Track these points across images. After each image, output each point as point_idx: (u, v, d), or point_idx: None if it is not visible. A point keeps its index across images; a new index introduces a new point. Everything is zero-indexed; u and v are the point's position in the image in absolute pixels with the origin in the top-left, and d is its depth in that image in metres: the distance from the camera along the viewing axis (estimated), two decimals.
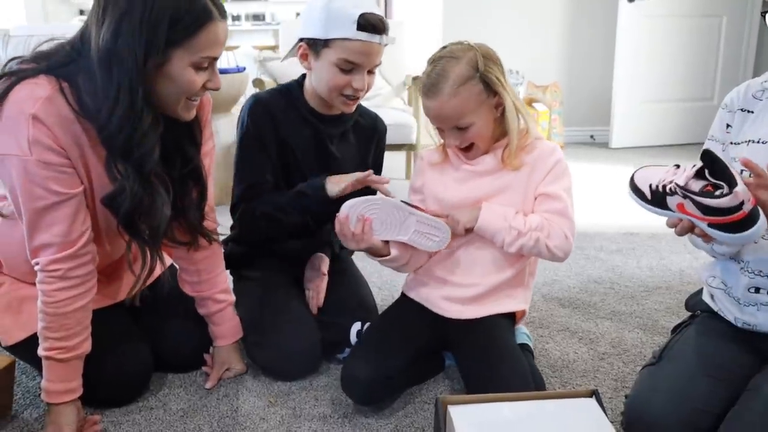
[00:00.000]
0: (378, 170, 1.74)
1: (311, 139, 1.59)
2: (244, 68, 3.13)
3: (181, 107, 1.24)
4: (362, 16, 1.42)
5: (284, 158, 1.58)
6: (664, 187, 1.14)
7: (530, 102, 4.66)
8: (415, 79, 3.36)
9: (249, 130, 1.54)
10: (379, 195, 1.39)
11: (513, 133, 1.40)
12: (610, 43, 4.67)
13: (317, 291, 1.65)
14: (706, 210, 1.06)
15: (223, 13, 1.20)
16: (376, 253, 1.44)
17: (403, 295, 1.60)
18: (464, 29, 4.62)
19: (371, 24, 1.43)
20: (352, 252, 1.89)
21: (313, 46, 1.49)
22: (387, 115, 3.34)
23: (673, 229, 1.15)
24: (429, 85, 1.36)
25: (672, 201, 1.12)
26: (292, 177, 1.59)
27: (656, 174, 1.17)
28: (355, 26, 1.42)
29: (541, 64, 4.85)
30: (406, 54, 3.61)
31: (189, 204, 1.38)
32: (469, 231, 1.42)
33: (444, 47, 1.40)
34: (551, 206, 1.41)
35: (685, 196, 1.09)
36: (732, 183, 1.03)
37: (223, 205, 1.77)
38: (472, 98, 1.35)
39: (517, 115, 1.41)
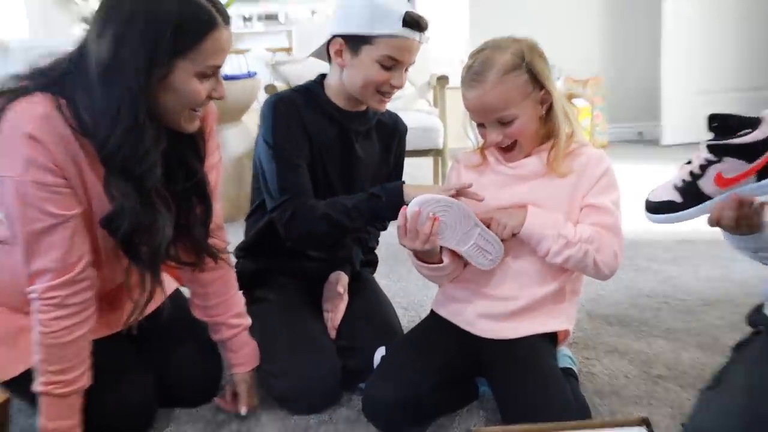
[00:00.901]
0: (399, 172, 1.76)
1: (336, 138, 1.62)
2: (255, 73, 3.16)
3: (184, 119, 1.26)
4: (407, 12, 1.48)
5: (315, 157, 1.61)
6: (691, 173, 1.10)
7: (569, 98, 4.63)
8: (440, 79, 3.35)
9: (279, 125, 1.54)
10: (449, 198, 1.38)
11: (561, 131, 1.41)
12: (655, 30, 4.61)
13: (334, 312, 1.64)
14: (747, 154, 1.01)
15: (226, 19, 1.21)
16: (428, 258, 1.43)
17: (432, 312, 1.58)
18: (493, 23, 4.61)
19: (415, 21, 1.49)
20: (374, 269, 1.88)
21: (352, 42, 1.52)
22: (411, 118, 3.34)
23: (724, 231, 1.12)
24: (472, 74, 1.38)
25: (706, 182, 1.08)
26: (315, 177, 1.60)
27: (671, 181, 1.14)
28: (401, 23, 1.48)
29: (580, 57, 4.81)
30: (430, 53, 3.61)
31: (193, 222, 1.38)
32: (512, 236, 1.41)
33: (486, 42, 1.43)
34: (600, 220, 1.41)
35: (718, 156, 1.05)
36: (755, 121, 1.00)
37: (234, 221, 1.77)
38: (518, 88, 1.37)
39: (565, 115, 1.42)
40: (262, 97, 3.16)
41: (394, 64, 1.51)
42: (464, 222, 1.39)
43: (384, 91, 1.55)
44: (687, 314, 2.05)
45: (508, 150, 1.44)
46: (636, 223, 2.97)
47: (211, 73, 1.22)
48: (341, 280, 1.67)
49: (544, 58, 1.41)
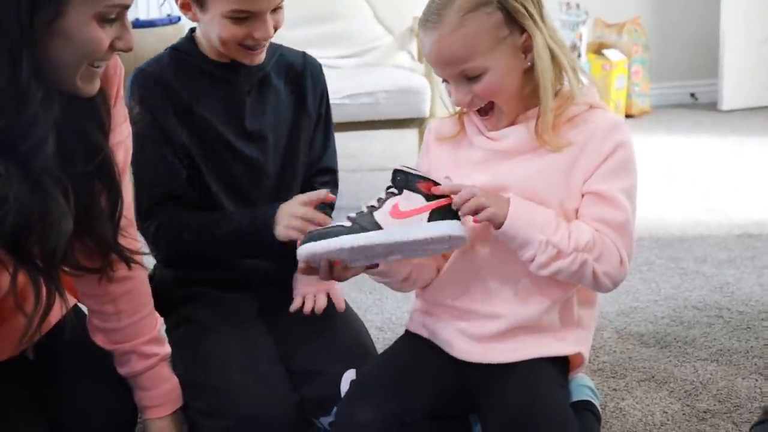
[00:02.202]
0: (328, 130, 1.85)
1: (224, 98, 1.71)
2: (179, 18, 3.18)
3: (81, 78, 1.27)
4: None
5: (196, 130, 1.69)
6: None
7: (599, 48, 4.68)
8: None
9: (140, 117, 1.65)
10: (335, 243, 1.39)
11: (546, 90, 1.40)
12: None
13: (318, 290, 1.73)
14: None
15: None
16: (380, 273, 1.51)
17: (407, 332, 1.63)
18: None
19: None
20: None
21: None
22: (389, 78, 3.43)
23: None
24: (428, 13, 1.40)
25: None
26: (214, 150, 1.70)
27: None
28: None
29: None
30: None
31: (97, 214, 1.41)
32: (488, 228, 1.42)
33: None
34: (606, 214, 1.41)
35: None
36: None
37: None
38: (485, 31, 1.37)
39: (554, 62, 1.41)
40: None
41: (248, 15, 1.58)
42: (374, 251, 1.40)
43: (248, 45, 1.63)
44: (746, 331, 2.11)
45: (485, 114, 1.46)
46: (683, 213, 3.07)
47: (115, 15, 1.24)
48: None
49: None
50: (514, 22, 1.38)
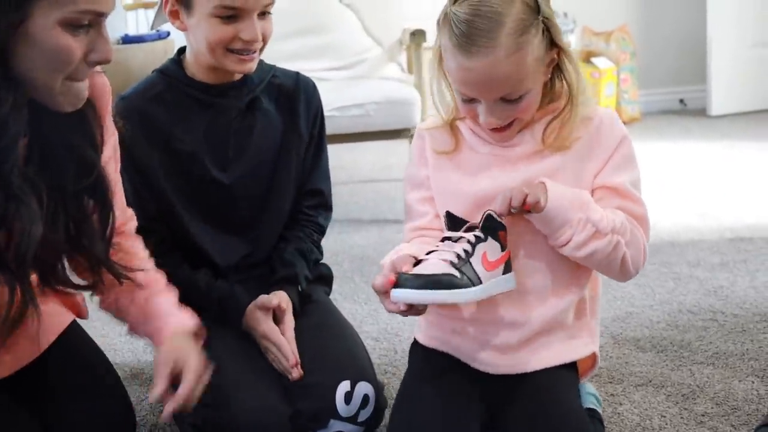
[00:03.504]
0: (320, 150, 1.84)
1: (208, 122, 1.70)
2: (168, 33, 3.18)
3: (59, 91, 1.24)
4: None
5: (173, 162, 1.67)
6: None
7: (588, 56, 4.70)
8: (416, 35, 3.39)
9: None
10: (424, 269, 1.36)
11: (578, 99, 1.41)
12: None
13: (280, 343, 1.67)
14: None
15: None
16: None
17: (420, 347, 1.60)
18: None
19: None
20: (329, 288, 1.91)
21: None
22: (379, 89, 3.43)
23: None
24: (472, 33, 1.31)
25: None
26: (189, 181, 1.69)
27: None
28: None
29: (601, 2, 4.87)
30: (401, 1, 3.65)
31: (89, 232, 1.40)
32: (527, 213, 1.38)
33: None
34: (626, 207, 1.42)
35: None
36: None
37: None
38: (534, 54, 1.34)
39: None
40: None
41: (235, 12, 1.58)
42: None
43: (236, 49, 1.62)
44: (741, 334, 2.11)
45: (500, 131, 1.43)
46: (676, 217, 3.08)
47: (87, 22, 1.20)
48: (278, 301, 1.70)
49: (549, 3, 1.40)
50: (549, 39, 1.37)
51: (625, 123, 4.57)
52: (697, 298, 2.34)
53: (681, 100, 5.04)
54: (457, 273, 1.32)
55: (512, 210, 1.34)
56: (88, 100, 1.32)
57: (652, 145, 4.18)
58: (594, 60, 4.64)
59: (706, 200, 3.23)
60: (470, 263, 1.35)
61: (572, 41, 4.53)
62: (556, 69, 1.42)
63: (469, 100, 1.39)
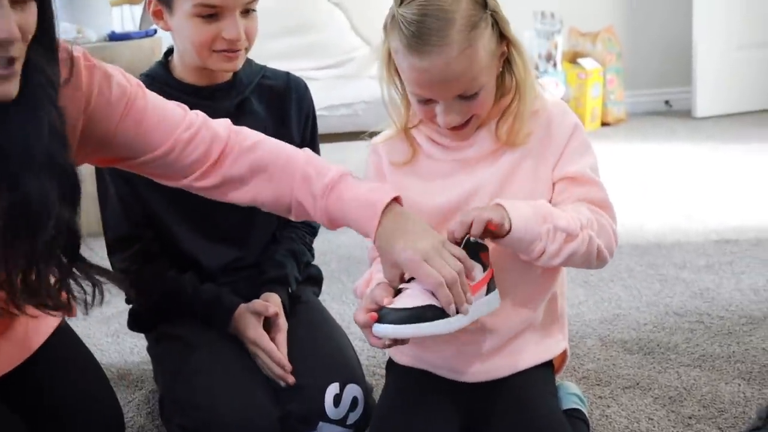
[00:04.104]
0: (314, 149, 1.79)
1: None
2: (155, 31, 3.16)
3: None
4: None
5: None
6: None
7: (574, 57, 4.71)
8: (380, 56, 3.40)
9: None
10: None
11: (526, 92, 1.40)
12: None
13: (276, 346, 1.66)
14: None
15: None
16: None
17: (394, 365, 1.59)
18: None
19: None
20: (318, 289, 1.91)
21: None
22: (365, 89, 3.41)
23: None
24: (423, 33, 1.28)
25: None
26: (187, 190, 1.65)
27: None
28: None
29: (587, 3, 4.89)
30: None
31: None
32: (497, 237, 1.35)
33: None
34: (588, 194, 1.41)
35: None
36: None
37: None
38: (486, 48, 1.33)
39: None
40: None
41: (216, 11, 1.57)
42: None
43: (220, 49, 1.60)
44: (727, 336, 2.12)
45: (460, 128, 1.40)
46: (661, 219, 3.09)
47: None
48: (270, 305, 1.69)
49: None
50: (498, 32, 1.36)
51: (610, 124, 4.68)
52: (684, 300, 2.35)
53: (666, 102, 5.06)
54: (437, 303, 1.28)
55: (471, 239, 1.31)
56: (53, 114, 1.22)
57: (638, 146, 4.19)
58: (580, 61, 4.65)
59: (692, 202, 3.24)
60: None
61: (559, 42, 4.54)
62: (506, 63, 1.41)
63: (426, 102, 1.37)
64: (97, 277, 1.35)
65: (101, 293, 1.35)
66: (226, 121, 1.47)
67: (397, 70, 1.40)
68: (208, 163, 1.42)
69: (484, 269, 1.34)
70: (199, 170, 1.42)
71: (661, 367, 1.97)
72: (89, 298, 1.33)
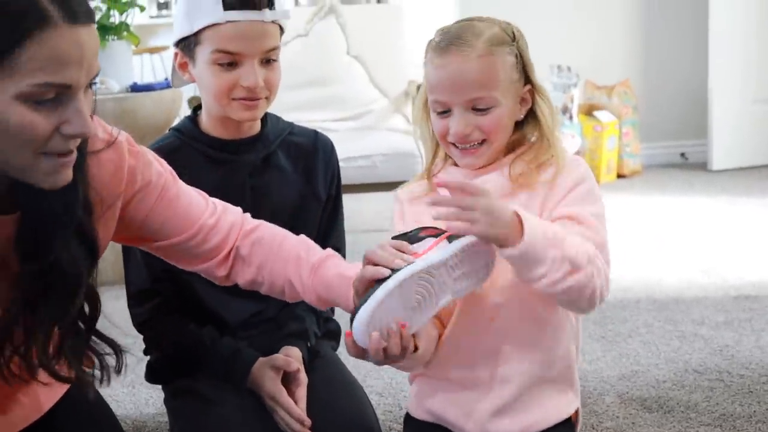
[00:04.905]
0: (337, 211, 1.82)
1: (223, 180, 1.68)
2: (168, 83, 3.20)
3: (35, 168, 1.15)
4: None
5: None
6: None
7: (590, 110, 4.73)
8: (420, 86, 3.43)
9: None
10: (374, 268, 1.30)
11: (548, 132, 1.46)
12: (700, 22, 4.75)
13: (295, 401, 1.64)
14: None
15: (74, 15, 1.10)
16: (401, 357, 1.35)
17: (411, 419, 1.57)
18: (491, 13, 4.70)
19: None
20: (336, 343, 1.90)
21: (186, 48, 1.64)
22: (383, 141, 3.45)
23: None
24: (451, 37, 1.42)
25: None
26: None
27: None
28: (220, 5, 1.57)
29: (603, 57, 4.92)
30: (407, 52, 3.68)
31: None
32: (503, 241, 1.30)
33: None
34: (586, 233, 1.39)
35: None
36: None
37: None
38: (506, 68, 1.42)
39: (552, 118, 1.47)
40: (186, 113, 3.19)
41: (234, 58, 1.59)
42: (427, 284, 1.31)
43: (239, 97, 1.62)
44: (748, 395, 2.09)
45: (470, 152, 1.44)
46: (678, 274, 3.07)
47: (54, 95, 1.11)
48: (290, 360, 1.68)
49: (528, 49, 1.48)
50: (522, 70, 1.45)
51: (626, 176, 4.68)
52: (703, 357, 2.33)
53: (682, 154, 5.06)
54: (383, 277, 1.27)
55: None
56: (86, 184, 1.25)
57: (654, 199, 4.19)
58: (596, 113, 4.67)
59: (709, 256, 3.23)
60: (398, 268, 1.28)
61: (575, 95, 4.57)
62: (530, 112, 1.47)
63: (442, 114, 1.43)
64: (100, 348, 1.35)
65: (118, 367, 1.36)
66: (238, 209, 1.53)
67: (429, 111, 1.48)
68: (226, 249, 1.47)
69: (437, 236, 1.32)
70: (220, 255, 1.47)
71: (681, 426, 1.94)
72: (103, 370, 1.35)
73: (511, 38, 1.44)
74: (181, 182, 1.47)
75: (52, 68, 1.09)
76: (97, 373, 1.36)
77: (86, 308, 1.31)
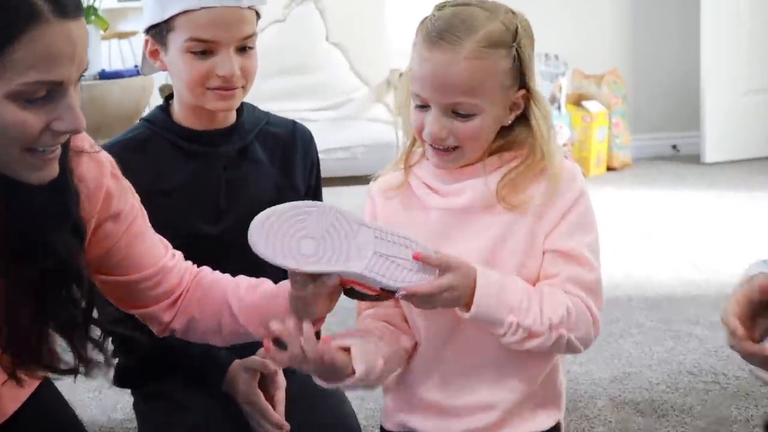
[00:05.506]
0: (318, 197, 1.79)
1: (197, 173, 1.66)
2: (137, 70, 3.15)
3: (21, 163, 1.17)
4: None
5: (158, 216, 1.56)
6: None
7: (579, 100, 4.73)
8: (403, 75, 3.40)
9: None
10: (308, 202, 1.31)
11: (541, 149, 1.37)
12: (691, 10, 4.76)
13: (273, 405, 1.62)
14: None
15: (64, 9, 1.11)
16: (332, 373, 1.33)
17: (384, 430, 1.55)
18: None
19: None
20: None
21: (158, 36, 1.61)
22: (364, 132, 3.43)
23: None
24: (443, 30, 1.32)
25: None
26: (177, 235, 1.58)
27: None
28: None
29: (592, 45, 4.92)
30: (388, 38, 3.65)
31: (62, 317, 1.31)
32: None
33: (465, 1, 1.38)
34: (577, 274, 1.36)
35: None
36: None
37: None
38: (496, 73, 1.33)
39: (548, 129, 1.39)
40: (156, 101, 3.15)
41: (209, 46, 1.56)
42: (340, 227, 1.28)
43: (214, 86, 1.59)
44: (744, 398, 2.09)
45: (442, 154, 1.37)
46: (672, 272, 3.06)
47: (45, 93, 1.12)
48: (267, 363, 1.66)
49: (533, 46, 1.39)
50: (518, 74, 1.35)
51: (616, 169, 4.68)
52: (697, 358, 2.32)
53: (674, 146, 5.07)
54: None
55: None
56: (74, 185, 1.27)
57: (645, 193, 4.19)
58: (585, 103, 4.67)
59: (702, 252, 3.22)
60: None
61: (563, 84, 4.56)
62: (521, 116, 1.38)
63: (422, 107, 1.35)
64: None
65: (108, 360, 1.38)
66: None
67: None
68: (178, 292, 1.45)
69: None
70: (170, 298, 1.44)
71: (675, 431, 1.94)
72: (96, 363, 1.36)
73: (512, 37, 1.34)
74: (148, 221, 1.46)
75: (44, 66, 1.10)
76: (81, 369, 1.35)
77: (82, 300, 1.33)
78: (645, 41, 4.98)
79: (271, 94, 3.13)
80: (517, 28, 1.35)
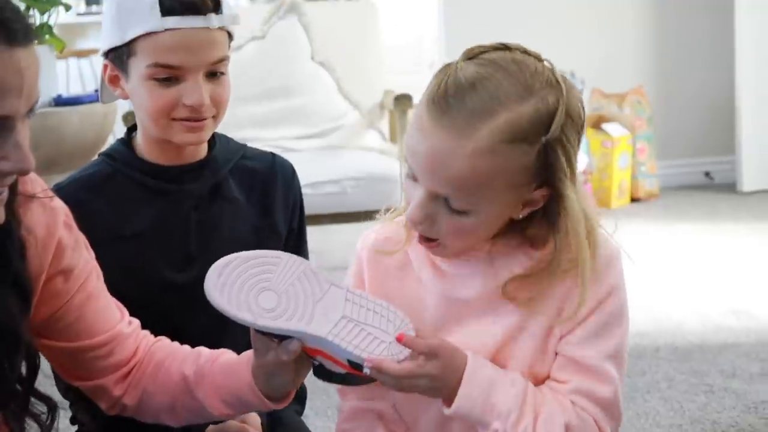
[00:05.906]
0: (300, 247, 1.78)
1: (165, 213, 1.66)
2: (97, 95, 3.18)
3: None
4: None
5: (119, 262, 1.60)
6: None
7: (598, 122, 4.74)
8: (400, 99, 3.41)
9: None
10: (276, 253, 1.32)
11: (573, 236, 1.25)
12: (726, 24, 4.78)
13: None
14: None
15: (11, 34, 1.11)
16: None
17: None
18: (477, 10, 4.72)
19: (181, 1, 1.54)
20: (302, 407, 1.89)
21: (118, 61, 1.61)
22: (354, 163, 3.43)
23: None
24: (456, 96, 1.20)
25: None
26: (142, 284, 1.62)
27: None
28: (158, 10, 1.54)
29: (613, 60, 4.94)
30: (381, 56, 3.68)
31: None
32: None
33: (504, 45, 1.26)
34: (590, 389, 1.29)
35: None
36: None
37: None
38: (507, 172, 1.21)
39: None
40: (120, 129, 3.18)
41: (175, 73, 1.56)
42: (308, 283, 1.28)
43: (181, 117, 1.58)
44: None
45: (426, 241, 1.30)
46: (702, 317, 3.06)
47: None
48: (249, 422, 1.68)
49: (579, 129, 1.24)
50: (542, 172, 1.23)
51: (641, 200, 4.71)
52: (735, 416, 2.32)
53: (707, 173, 5.08)
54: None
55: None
56: (20, 236, 1.26)
57: (674, 227, 4.21)
58: (605, 126, 4.67)
59: (739, 294, 3.23)
60: None
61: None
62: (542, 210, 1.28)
63: (413, 178, 1.27)
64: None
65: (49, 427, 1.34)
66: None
67: None
68: (131, 364, 1.45)
69: None
70: (123, 370, 1.45)
71: None
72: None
73: (544, 127, 1.19)
74: (103, 282, 1.45)
75: None
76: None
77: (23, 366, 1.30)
78: (672, 55, 5.01)
79: (249, 120, 3.17)
80: (556, 111, 1.20)
